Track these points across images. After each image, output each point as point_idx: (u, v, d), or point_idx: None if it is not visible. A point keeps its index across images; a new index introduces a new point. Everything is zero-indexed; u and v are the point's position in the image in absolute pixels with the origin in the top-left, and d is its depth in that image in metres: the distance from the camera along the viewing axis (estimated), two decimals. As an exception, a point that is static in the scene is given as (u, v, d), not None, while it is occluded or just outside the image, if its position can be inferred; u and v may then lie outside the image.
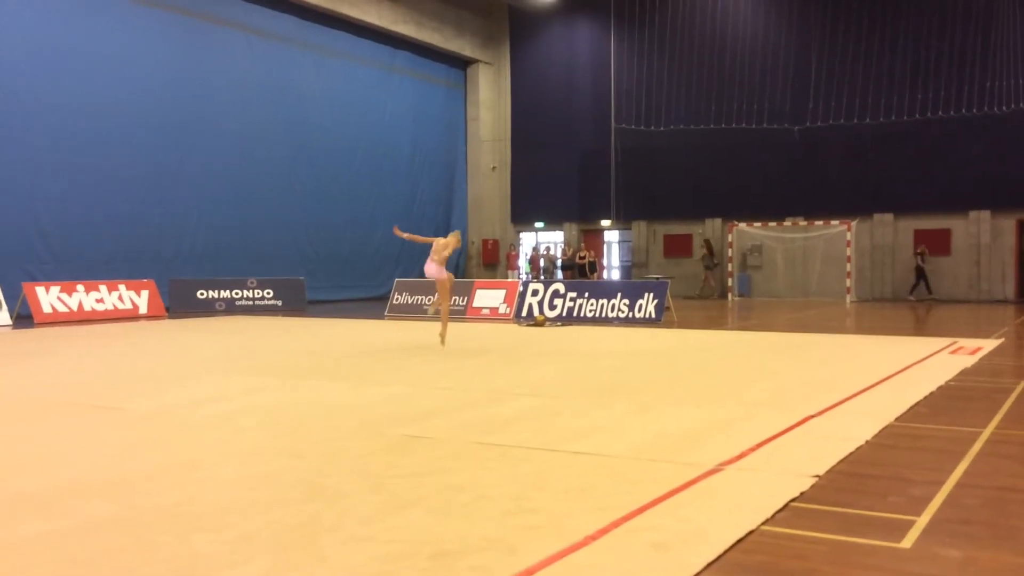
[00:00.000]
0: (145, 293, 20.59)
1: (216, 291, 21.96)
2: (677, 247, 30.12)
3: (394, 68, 30.02)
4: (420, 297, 20.86)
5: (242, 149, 24.38)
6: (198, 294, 21.77)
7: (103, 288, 19.84)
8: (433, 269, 12.46)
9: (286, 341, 14.42)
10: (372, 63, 29.09)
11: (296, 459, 5.59)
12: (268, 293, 22.46)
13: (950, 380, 9.02)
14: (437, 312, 13.49)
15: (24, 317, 18.40)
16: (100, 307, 19.61)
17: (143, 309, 20.39)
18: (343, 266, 27.55)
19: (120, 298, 20.07)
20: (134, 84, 21.73)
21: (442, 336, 12.64)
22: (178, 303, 21.42)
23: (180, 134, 22.78)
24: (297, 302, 22.75)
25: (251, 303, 22.18)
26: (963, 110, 25.32)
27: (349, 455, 5.69)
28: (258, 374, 9.87)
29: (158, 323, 18.80)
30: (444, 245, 12.42)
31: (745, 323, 18.11)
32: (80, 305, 19.27)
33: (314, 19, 26.68)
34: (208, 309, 21.60)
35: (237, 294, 22.11)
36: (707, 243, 28.76)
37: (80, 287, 19.43)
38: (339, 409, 7.52)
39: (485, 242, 33.33)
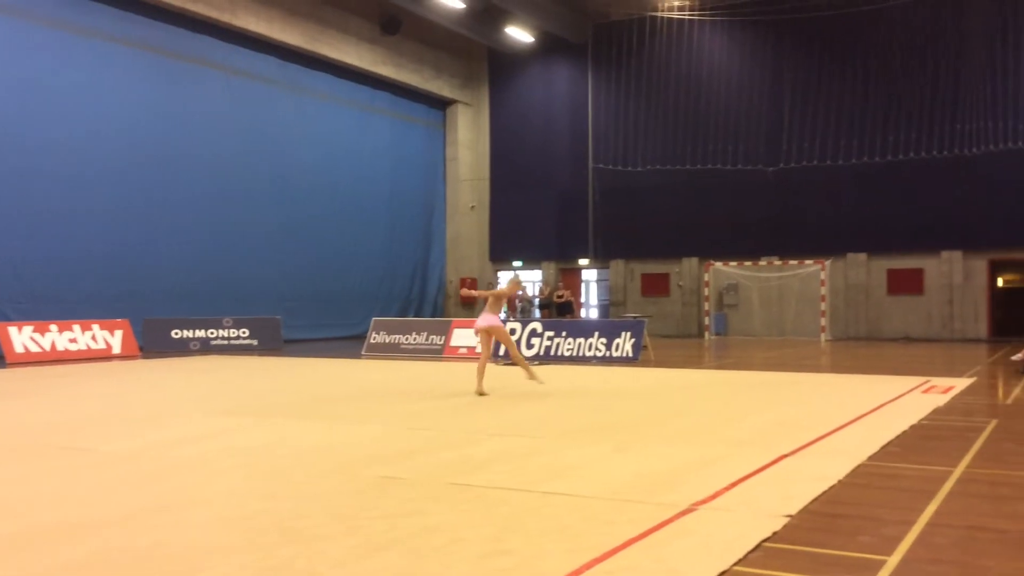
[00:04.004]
0: (119, 333, 20.43)
1: (191, 330, 21.83)
2: (655, 286, 30.30)
3: (373, 108, 30.24)
4: (398, 336, 20.84)
5: (220, 188, 24.40)
6: (172, 333, 21.63)
7: (76, 328, 19.68)
8: (488, 320, 11.97)
9: (262, 381, 14.34)
10: (351, 103, 29.29)
11: (271, 501, 5.56)
12: (244, 332, 22.35)
13: (922, 419, 9.11)
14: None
15: (-4, 357, 18.20)
16: (73, 347, 19.44)
17: (116, 349, 20.23)
18: (320, 305, 27.48)
19: (93, 338, 19.91)
20: (113, 123, 21.78)
21: (530, 374, 12.04)
22: (152, 343, 21.26)
23: (158, 174, 22.79)
24: (273, 341, 22.64)
25: (226, 342, 22.05)
26: (934, 152, 25.78)
27: (324, 497, 5.67)
28: (233, 415, 9.81)
29: (131, 363, 18.65)
30: (502, 295, 12.16)
31: (722, 362, 18.20)
32: (53, 345, 19.09)
33: (294, 60, 26.90)
34: (182, 349, 21.45)
35: (212, 333, 21.99)
36: (561, 286, 29.21)
37: (53, 327, 19.26)
38: (315, 450, 7.49)
39: (463, 280, 33.37)
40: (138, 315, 21.38)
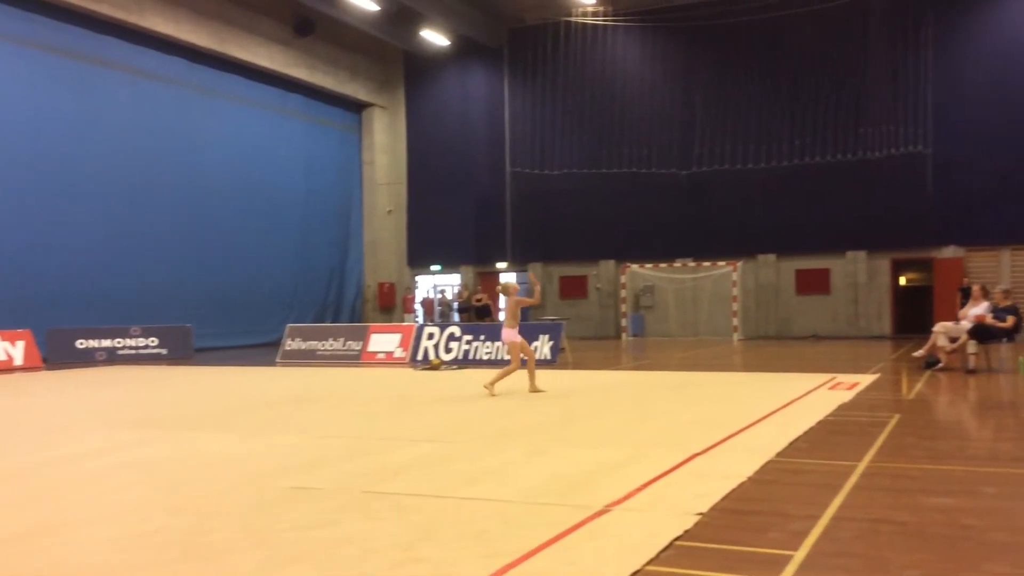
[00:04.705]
0: (20, 343, 19.62)
1: (97, 340, 21.10)
2: (573, 288, 30.54)
3: (286, 111, 29.75)
4: (313, 342, 20.52)
5: (127, 192, 23.67)
6: (77, 344, 20.87)
7: (-26, 339, 18.84)
8: (506, 333, 12.09)
9: (170, 392, 13.93)
10: (264, 106, 28.76)
11: (175, 516, 5.38)
12: (152, 341, 21.71)
13: (828, 415, 9.36)
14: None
15: None
16: (-30, 359, 18.60)
17: (18, 360, 19.41)
18: (233, 312, 26.86)
19: (-7, 349, 19.09)
20: (12, 126, 20.96)
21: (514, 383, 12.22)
22: (56, 354, 20.48)
23: (61, 178, 21.99)
24: (183, 350, 22.06)
25: (134, 352, 21.39)
26: (839, 155, 26.60)
27: (232, 510, 5.52)
28: (139, 427, 9.50)
29: (34, 375, 17.92)
30: (512, 307, 12.08)
31: (638, 363, 18.44)
32: (-52, 357, 18.24)
33: (203, 61, 26.27)
34: (88, 359, 20.72)
35: (119, 343, 21.29)
36: (479, 289, 29.27)
37: (-51, 338, 18.40)
38: (224, 462, 7.29)
39: (381, 285, 33.10)
40: (41, 325, 20.56)
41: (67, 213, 22.12)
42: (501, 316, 31.37)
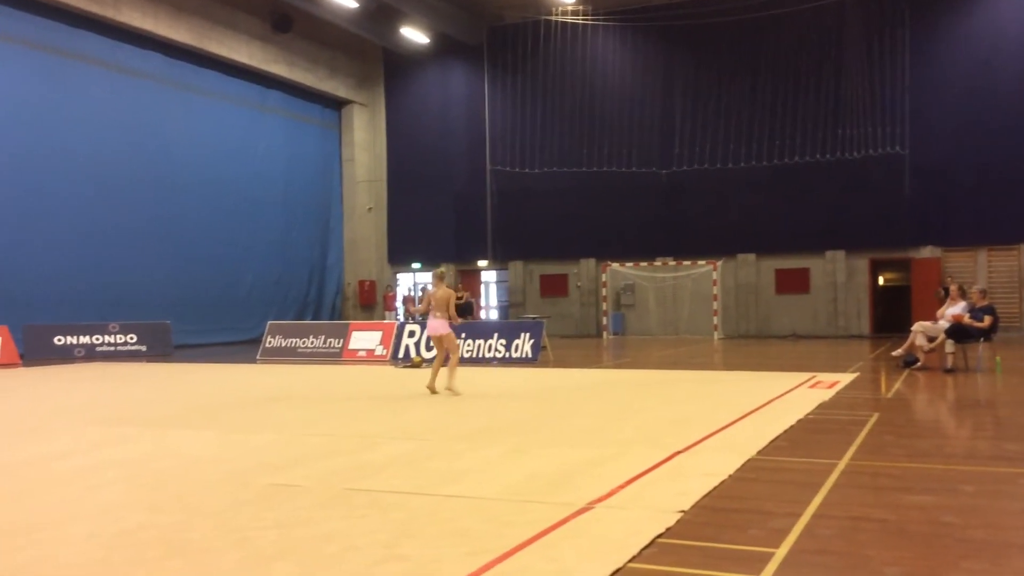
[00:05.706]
0: (-4, 340, 19.41)
1: (75, 337, 20.90)
2: (553, 287, 30.56)
3: (265, 107, 29.58)
4: (294, 340, 20.43)
5: (105, 188, 23.45)
6: (55, 340, 20.67)
7: (-51, 336, 18.61)
8: (437, 324, 12.01)
9: (149, 389, 13.83)
10: (243, 102, 28.57)
11: (155, 514, 5.34)
12: (131, 338, 21.53)
13: (809, 413, 9.42)
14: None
15: None
16: (-55, 356, 18.38)
17: (-6, 357, 19.21)
18: (213, 309, 26.69)
19: (-32, 346, 18.86)
20: (-13, 120, 20.72)
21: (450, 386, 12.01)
22: (33, 350, 20.26)
23: (38, 173, 21.76)
24: (163, 347, 21.89)
25: (113, 349, 21.20)
26: (818, 155, 26.75)
27: (212, 508, 5.48)
28: (118, 424, 9.42)
29: (11, 372, 17.73)
30: (445, 298, 12.03)
31: (619, 361, 18.47)
32: (-78, 354, 18.01)
33: (181, 57, 26.05)
34: (66, 356, 20.52)
35: (98, 340, 21.11)
36: (460, 287, 29.08)
37: (-78, 335, 18.17)
38: (203, 460, 7.24)
39: (362, 283, 32.99)
40: (17, 321, 20.33)
41: (44, 209, 21.90)
42: (483, 314, 31.47)
